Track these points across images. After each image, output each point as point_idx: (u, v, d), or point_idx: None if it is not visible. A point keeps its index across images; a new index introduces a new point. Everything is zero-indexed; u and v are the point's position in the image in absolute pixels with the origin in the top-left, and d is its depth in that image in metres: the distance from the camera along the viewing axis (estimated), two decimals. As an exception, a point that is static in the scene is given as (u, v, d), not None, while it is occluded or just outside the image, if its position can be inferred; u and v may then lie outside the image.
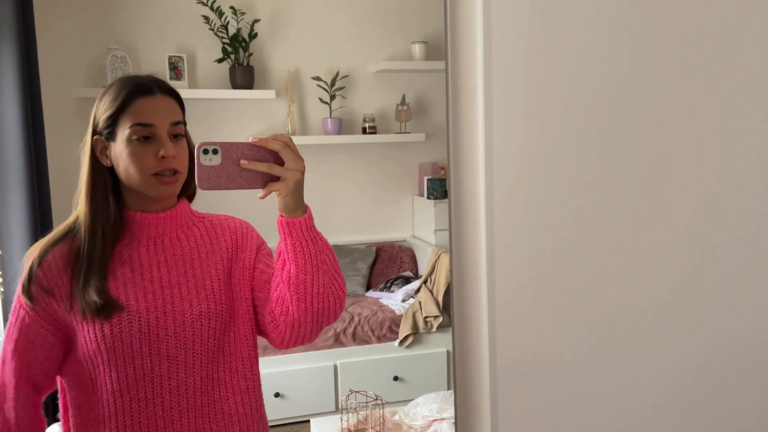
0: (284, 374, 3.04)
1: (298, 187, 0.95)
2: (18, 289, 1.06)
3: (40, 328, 1.05)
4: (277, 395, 3.04)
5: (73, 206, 1.08)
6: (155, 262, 1.06)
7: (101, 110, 1.04)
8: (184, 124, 1.09)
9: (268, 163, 0.93)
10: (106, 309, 1.00)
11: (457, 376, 0.73)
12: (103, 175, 1.06)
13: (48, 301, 1.04)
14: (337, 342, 3.14)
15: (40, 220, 2.49)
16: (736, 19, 0.71)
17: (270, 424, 3.10)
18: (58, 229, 1.09)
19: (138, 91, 1.03)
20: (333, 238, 3.73)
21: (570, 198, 0.70)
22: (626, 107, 0.71)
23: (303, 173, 0.95)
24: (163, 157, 1.02)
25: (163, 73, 3.32)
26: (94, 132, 1.05)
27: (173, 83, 3.32)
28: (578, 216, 0.71)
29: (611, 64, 0.70)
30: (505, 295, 0.68)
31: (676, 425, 0.74)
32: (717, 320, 0.76)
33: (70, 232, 1.07)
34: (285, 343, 1.07)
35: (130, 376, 1.02)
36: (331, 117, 3.61)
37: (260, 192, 0.95)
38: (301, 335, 1.05)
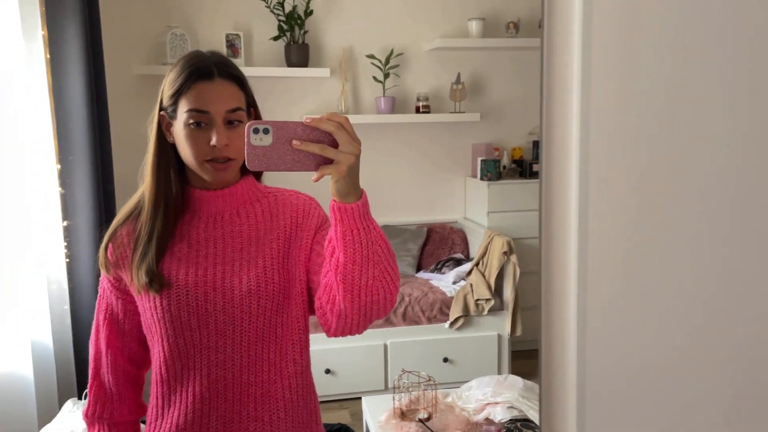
0: (335, 351, 3.07)
1: (352, 171, 0.88)
2: (100, 265, 1.13)
3: (118, 299, 1.12)
4: (327, 371, 3.07)
5: (140, 179, 1.10)
6: (212, 239, 1.07)
7: (167, 87, 1.05)
8: (248, 107, 1.08)
9: (321, 145, 0.87)
10: (153, 285, 1.03)
11: (543, 379, 0.70)
12: (167, 151, 1.06)
13: (119, 274, 1.11)
14: (388, 322, 3.14)
15: (104, 193, 2.56)
16: None
17: (321, 399, 3.15)
18: (128, 204, 1.13)
19: (197, 74, 1.01)
20: (384, 218, 3.72)
21: (671, 195, 0.65)
22: (733, 95, 0.65)
23: (358, 157, 0.88)
24: (214, 146, 1.01)
25: (221, 51, 3.35)
26: (161, 108, 1.06)
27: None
28: (680, 213, 0.66)
29: (718, 52, 0.64)
30: (597, 299, 0.65)
31: None
32: None
33: (137, 208, 1.10)
34: (332, 332, 1.03)
35: (181, 346, 1.05)
36: (384, 96, 3.58)
37: (313, 174, 0.89)
38: (347, 327, 0.99)
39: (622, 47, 0.64)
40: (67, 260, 2.39)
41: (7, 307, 2.11)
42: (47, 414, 2.12)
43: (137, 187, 1.12)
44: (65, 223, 2.41)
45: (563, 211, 0.66)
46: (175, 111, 1.03)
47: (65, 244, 2.39)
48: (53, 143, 2.39)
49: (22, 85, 2.28)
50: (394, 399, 2.17)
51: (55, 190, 2.38)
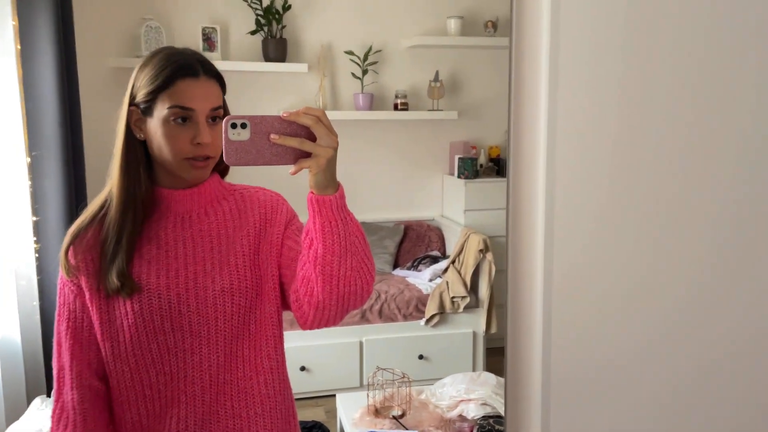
0: (310, 348, 3.06)
1: (330, 164, 0.90)
2: (60, 268, 1.06)
3: (83, 305, 1.06)
4: (302, 369, 3.06)
5: (107, 177, 1.07)
6: (181, 239, 1.05)
7: (141, 82, 1.01)
8: (224, 105, 1.06)
9: (300, 138, 0.88)
10: (125, 289, 1.00)
11: (508, 370, 0.71)
12: (136, 148, 1.03)
13: (82, 279, 1.05)
14: (363, 319, 3.14)
15: (75, 188, 2.51)
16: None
17: (295, 396, 3.14)
18: (92, 205, 1.08)
19: (182, 71, 1.00)
20: (361, 215, 3.71)
21: (636, 193, 0.66)
22: (698, 94, 0.66)
23: (336, 150, 0.90)
24: (198, 143, 1.00)
25: (197, 44, 3.31)
26: (131, 102, 1.03)
27: (206, 54, 3.31)
28: (644, 211, 0.67)
29: (684, 51, 0.65)
30: (561, 294, 0.65)
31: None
32: None
33: (103, 207, 1.06)
34: (309, 325, 1.04)
35: (155, 352, 1.02)
36: (362, 92, 3.57)
37: (291, 168, 0.90)
38: (324, 318, 1.01)
39: (589, 46, 0.65)
40: (37, 255, 2.34)
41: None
42: (15, 412, 2.08)
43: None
44: (35, 218, 2.36)
45: (530, 209, 0.67)
46: (151, 107, 1.00)
47: (35, 239, 2.34)
48: (23, 136, 2.33)
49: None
50: (368, 396, 2.18)
51: (24, 184, 2.33)
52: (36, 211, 2.36)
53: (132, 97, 1.02)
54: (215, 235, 1.06)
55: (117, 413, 1.07)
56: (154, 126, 1.00)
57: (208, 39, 3.34)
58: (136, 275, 1.02)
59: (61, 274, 1.07)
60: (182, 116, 0.99)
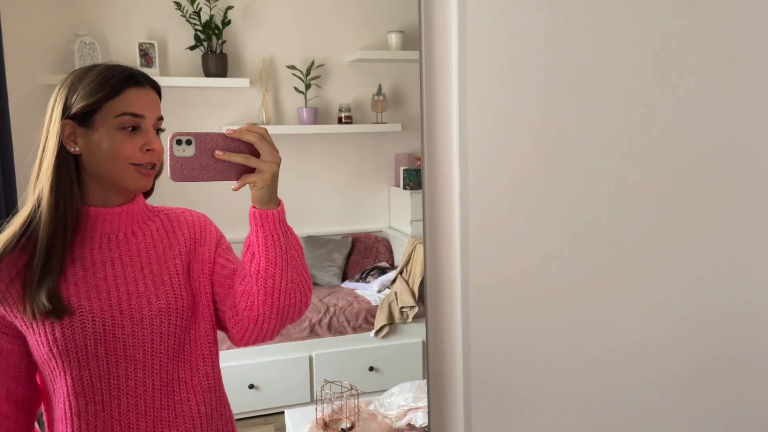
0: (259, 366, 3.02)
1: (274, 180, 0.93)
2: None
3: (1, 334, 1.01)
4: (251, 387, 3.01)
5: (29, 193, 1.02)
6: (108, 260, 1.02)
7: (80, 94, 0.98)
8: None
9: (244, 155, 0.91)
10: (55, 312, 0.96)
11: (431, 367, 0.73)
12: (69, 163, 0.99)
13: (6, 305, 0.99)
14: (313, 333, 3.12)
15: (5, 206, 2.41)
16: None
17: (244, 416, 3.08)
18: (12, 226, 1.02)
19: (130, 80, 0.99)
20: (308, 229, 3.70)
21: (541, 188, 0.69)
22: (594, 104, 0.70)
23: (279, 165, 0.93)
24: (149, 150, 0.99)
25: (134, 60, 3.24)
26: (65, 115, 0.99)
27: (144, 70, 3.25)
28: (549, 210, 0.70)
29: (584, 55, 0.69)
30: (478, 287, 0.67)
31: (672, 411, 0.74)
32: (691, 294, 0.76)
33: (28, 229, 1.00)
34: (245, 340, 1.04)
35: (86, 379, 0.98)
36: (306, 107, 3.57)
37: (234, 184, 0.93)
38: (263, 331, 1.02)
39: (496, 55, 0.68)
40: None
41: None
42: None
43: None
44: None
45: (447, 216, 0.69)
46: (92, 118, 0.97)
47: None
48: (-53, 156, 2.23)
49: None
50: (316, 410, 2.16)
51: (-51, 206, 2.23)
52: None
53: (65, 109, 0.99)
54: (144, 255, 1.04)
55: None
56: (98, 136, 0.98)
57: (146, 55, 3.28)
58: (65, 298, 0.97)
59: None
60: (132, 124, 0.98)
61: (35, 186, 1.01)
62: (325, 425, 2.12)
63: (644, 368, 0.72)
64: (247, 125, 0.93)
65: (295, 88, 3.59)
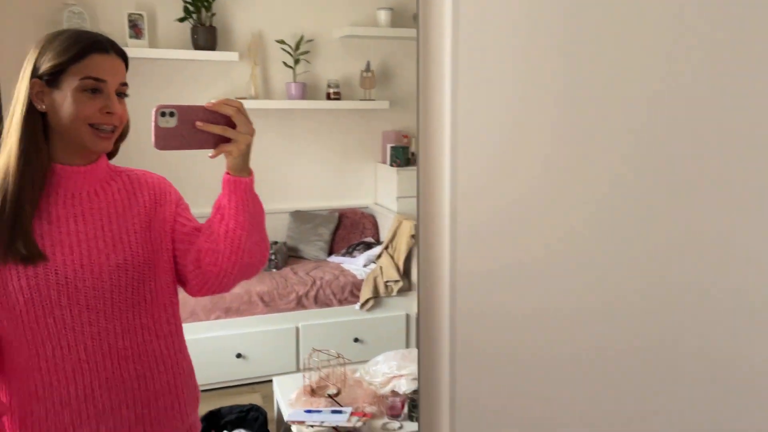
0: (246, 336, 3.08)
1: (248, 150, 1.05)
2: None
3: None
4: (239, 356, 3.08)
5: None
6: (72, 216, 1.08)
7: (48, 56, 1.04)
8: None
9: (222, 126, 1.01)
10: (31, 258, 1.02)
11: (421, 332, 0.79)
12: (36, 120, 1.05)
13: None
14: (299, 305, 3.19)
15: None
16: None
17: (232, 384, 3.16)
18: None
19: (95, 46, 1.06)
20: (295, 203, 3.75)
21: (534, 172, 0.75)
22: (585, 85, 0.76)
23: (252, 136, 1.03)
24: (108, 112, 1.05)
25: (122, 31, 3.24)
26: (34, 75, 1.05)
27: (133, 42, 3.24)
28: (542, 188, 0.76)
29: (590, 38, 0.75)
30: (466, 264, 0.74)
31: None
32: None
33: None
34: (203, 291, 1.16)
35: (51, 326, 1.05)
36: (295, 81, 3.59)
37: (210, 152, 1.03)
38: (223, 285, 1.14)
39: (486, 42, 0.73)
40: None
41: None
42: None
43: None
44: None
45: (439, 194, 0.75)
46: (58, 78, 1.04)
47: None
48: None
49: None
50: (304, 377, 2.24)
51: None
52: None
53: (35, 70, 1.05)
54: (105, 213, 1.11)
55: (12, 385, 1.08)
56: (61, 96, 1.04)
57: (135, 26, 3.27)
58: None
59: None
60: (93, 87, 1.04)
61: (6, 140, 1.06)
62: (312, 391, 2.20)
63: (652, 338, 0.79)
64: (224, 99, 1.02)
65: (284, 63, 3.60)
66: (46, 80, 1.05)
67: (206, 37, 3.37)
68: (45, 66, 1.04)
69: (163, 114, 0.98)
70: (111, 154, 1.18)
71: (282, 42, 3.55)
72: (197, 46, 3.38)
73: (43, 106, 1.06)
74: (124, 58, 1.11)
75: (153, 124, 0.96)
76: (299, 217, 3.67)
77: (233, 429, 2.33)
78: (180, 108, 0.99)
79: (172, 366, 1.17)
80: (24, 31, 3.13)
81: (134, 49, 3.10)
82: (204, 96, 3.50)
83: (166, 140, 0.99)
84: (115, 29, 3.25)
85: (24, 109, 1.05)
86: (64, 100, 1.04)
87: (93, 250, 1.07)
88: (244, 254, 1.10)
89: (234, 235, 1.08)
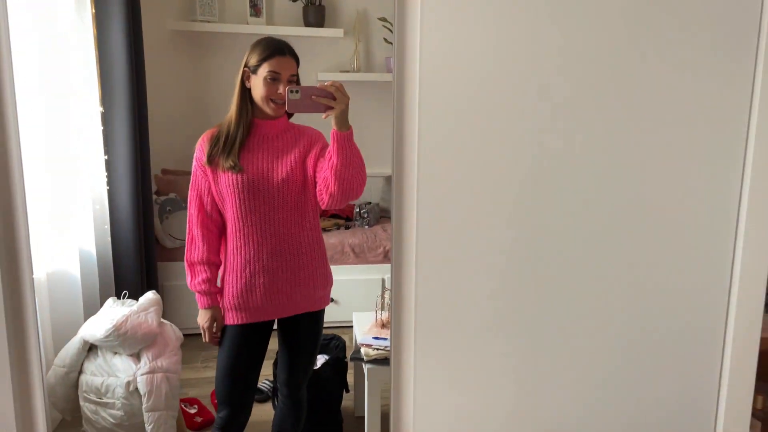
0: (338, 283, 3.41)
1: (345, 113, 1.64)
2: (194, 162, 1.81)
3: (207, 183, 1.81)
4: (331, 300, 3.46)
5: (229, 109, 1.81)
6: (262, 148, 1.79)
7: (254, 56, 1.76)
8: (297, 74, 1.81)
9: (328, 98, 1.60)
10: (235, 168, 1.74)
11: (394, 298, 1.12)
12: (245, 92, 1.79)
13: (206, 164, 1.79)
14: (386, 258, 3.51)
15: (139, 132, 2.96)
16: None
17: (325, 324, 3.54)
18: (215, 127, 1.82)
19: (276, 51, 1.75)
20: (390, 169, 4.04)
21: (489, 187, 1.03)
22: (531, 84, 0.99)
23: (348, 105, 1.63)
24: (279, 92, 1.75)
25: (244, 10, 3.69)
26: (246, 65, 1.77)
27: (253, 19, 3.69)
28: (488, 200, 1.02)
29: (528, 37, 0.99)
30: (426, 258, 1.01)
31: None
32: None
33: (220, 128, 1.80)
34: (324, 205, 1.78)
35: (243, 211, 1.78)
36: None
37: (322, 115, 1.63)
38: (333, 202, 1.75)
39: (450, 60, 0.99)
40: (108, 187, 2.81)
41: (64, 220, 2.55)
42: (91, 309, 2.56)
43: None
44: (106, 157, 2.82)
45: (409, 194, 1.05)
46: (257, 69, 1.75)
47: (106, 174, 2.81)
48: (97, 90, 2.78)
49: (73, 44, 2.66)
50: (376, 312, 2.55)
51: (98, 129, 2.79)
52: (107, 151, 2.83)
53: (246, 63, 1.77)
54: (281, 148, 1.81)
55: (230, 243, 1.81)
56: (257, 80, 1.76)
57: (255, 5, 3.71)
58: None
59: (196, 165, 1.80)
60: (273, 77, 1.74)
61: (231, 104, 1.79)
62: (383, 325, 2.51)
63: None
64: (330, 81, 1.61)
65: (385, 39, 3.89)
66: (251, 70, 1.76)
67: (316, 14, 3.74)
68: (251, 61, 1.76)
69: (291, 92, 1.60)
70: (291, 115, 1.85)
71: (383, 19, 3.83)
72: (308, 24, 3.76)
73: (249, 84, 1.78)
74: (295, 58, 1.78)
75: (287, 97, 1.60)
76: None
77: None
78: (303, 88, 1.60)
79: (313, 249, 1.86)
80: (165, 9, 3.67)
81: (253, 26, 3.53)
82: (313, 67, 3.89)
83: (294, 106, 1.61)
84: (238, 8, 3.71)
85: (239, 85, 1.78)
86: (258, 82, 1.75)
87: (271, 169, 1.77)
88: (344, 182, 1.70)
89: (337, 169, 1.68)
